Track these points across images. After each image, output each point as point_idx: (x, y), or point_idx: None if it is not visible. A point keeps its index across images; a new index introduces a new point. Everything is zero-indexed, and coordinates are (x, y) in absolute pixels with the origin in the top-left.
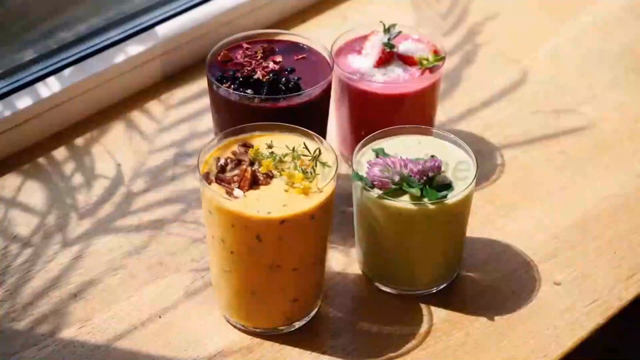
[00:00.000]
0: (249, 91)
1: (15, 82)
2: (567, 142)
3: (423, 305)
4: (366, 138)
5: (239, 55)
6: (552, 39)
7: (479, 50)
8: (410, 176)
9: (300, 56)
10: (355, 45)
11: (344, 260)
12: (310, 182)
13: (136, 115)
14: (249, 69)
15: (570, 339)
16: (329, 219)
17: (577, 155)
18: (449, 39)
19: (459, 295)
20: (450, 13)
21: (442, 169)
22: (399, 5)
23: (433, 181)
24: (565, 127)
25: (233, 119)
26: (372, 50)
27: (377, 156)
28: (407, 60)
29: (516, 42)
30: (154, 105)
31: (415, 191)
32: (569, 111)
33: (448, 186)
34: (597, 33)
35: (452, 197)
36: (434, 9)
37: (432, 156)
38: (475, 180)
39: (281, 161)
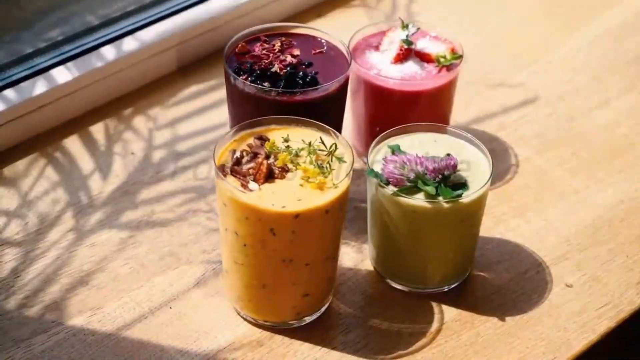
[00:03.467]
0: (266, 84)
1: (30, 68)
2: (581, 145)
3: (434, 304)
4: (382, 134)
5: (257, 48)
6: (567, 43)
7: (496, 50)
8: (426, 174)
9: (318, 50)
10: (373, 40)
11: (356, 256)
12: (326, 177)
13: (150, 105)
14: (266, 61)
15: (581, 342)
16: (343, 214)
17: (591, 159)
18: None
19: (470, 295)
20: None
21: (458, 167)
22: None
23: (448, 180)
24: (579, 130)
25: (249, 111)
26: (390, 46)
27: (392, 153)
28: (424, 58)
29: (531, 46)
30: (168, 96)
31: (430, 189)
32: (583, 115)
33: (463, 185)
34: (612, 38)
35: (467, 197)
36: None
37: (448, 154)
38: (490, 180)
39: (297, 155)
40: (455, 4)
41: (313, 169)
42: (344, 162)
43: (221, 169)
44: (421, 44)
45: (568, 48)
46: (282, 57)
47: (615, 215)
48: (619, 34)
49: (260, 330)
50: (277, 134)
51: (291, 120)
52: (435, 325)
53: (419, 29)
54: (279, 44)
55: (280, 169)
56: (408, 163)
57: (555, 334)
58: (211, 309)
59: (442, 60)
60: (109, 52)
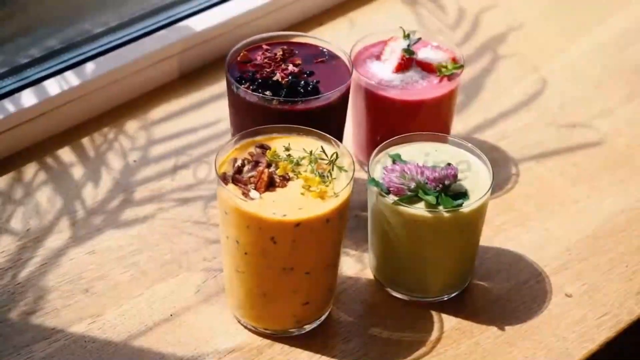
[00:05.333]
0: (267, 93)
1: (30, 77)
2: (582, 155)
3: (434, 313)
4: (383, 144)
5: (258, 57)
6: (569, 52)
7: (496, 61)
8: (426, 183)
9: (319, 59)
10: (374, 50)
11: (356, 265)
12: (327, 186)
13: (152, 113)
14: (268, 70)
15: (580, 352)
16: (344, 223)
17: (592, 169)
18: (464, 50)
19: (470, 304)
20: (459, 24)
21: (458, 177)
22: (405, 14)
23: (449, 189)
24: (580, 140)
25: (251, 120)
26: (391, 55)
27: (393, 162)
28: (425, 67)
29: (533, 54)
30: (170, 104)
31: (431, 199)
32: (584, 124)
33: (463, 194)
34: (614, 47)
35: (467, 206)
36: (441, 19)
37: (449, 164)
38: (490, 189)
39: (298, 164)
40: (454, 12)
41: (314, 177)
42: (345, 171)
43: (222, 177)
44: (422, 54)
45: (570, 56)
46: (283, 66)
47: (616, 225)
48: (622, 42)
49: (261, 338)
50: (279, 143)
51: (292, 129)
52: (435, 334)
53: (420, 38)
54: (281, 52)
55: (281, 178)
56: (409, 172)
57: (554, 344)
58: (211, 317)
59: (443, 69)
60: (110, 59)
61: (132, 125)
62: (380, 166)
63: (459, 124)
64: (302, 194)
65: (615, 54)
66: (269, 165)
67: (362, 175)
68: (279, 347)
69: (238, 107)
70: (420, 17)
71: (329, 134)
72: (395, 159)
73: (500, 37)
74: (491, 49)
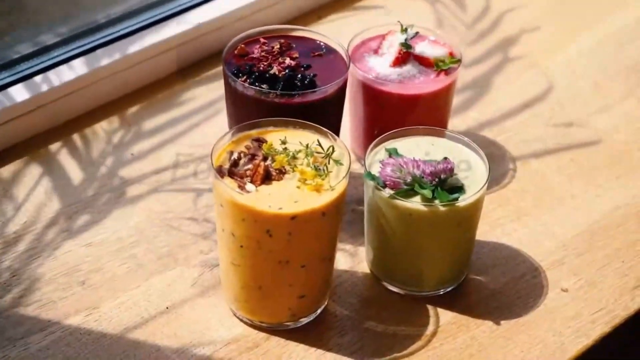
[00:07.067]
0: (264, 86)
1: (26, 70)
2: (580, 151)
3: (430, 307)
4: (379, 137)
5: (256, 50)
6: (568, 49)
7: (494, 58)
8: (423, 177)
9: (316, 53)
10: (372, 44)
11: (352, 259)
12: (323, 179)
13: (149, 106)
14: (265, 64)
15: (575, 347)
16: (340, 216)
17: (589, 165)
18: (462, 47)
19: (466, 298)
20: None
21: (455, 171)
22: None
23: (445, 183)
24: (578, 136)
25: (248, 113)
26: (389, 49)
27: (390, 156)
28: (423, 62)
29: (532, 52)
30: (167, 97)
31: (427, 192)
32: (582, 121)
33: (460, 189)
34: (612, 45)
35: (463, 200)
36: (440, 18)
37: (445, 158)
38: (487, 184)
39: (294, 157)
40: (452, 12)
41: (310, 171)
42: (341, 164)
43: (218, 170)
44: (420, 48)
45: (569, 53)
46: (280, 60)
47: (612, 221)
48: (620, 40)
49: (256, 331)
50: (275, 136)
51: (289, 123)
52: (430, 328)
53: (417, 32)
54: (278, 46)
55: (277, 171)
56: (405, 166)
57: (550, 338)
58: (208, 310)
59: (440, 64)
60: (108, 52)
61: (129, 119)
62: (377, 160)
63: (457, 119)
64: (298, 187)
65: (613, 52)
66: (265, 159)
67: (358, 168)
68: (274, 340)
69: (235, 101)
70: (418, 11)
71: (326, 128)
72: (392, 152)
73: (498, 35)
74: (489, 47)
